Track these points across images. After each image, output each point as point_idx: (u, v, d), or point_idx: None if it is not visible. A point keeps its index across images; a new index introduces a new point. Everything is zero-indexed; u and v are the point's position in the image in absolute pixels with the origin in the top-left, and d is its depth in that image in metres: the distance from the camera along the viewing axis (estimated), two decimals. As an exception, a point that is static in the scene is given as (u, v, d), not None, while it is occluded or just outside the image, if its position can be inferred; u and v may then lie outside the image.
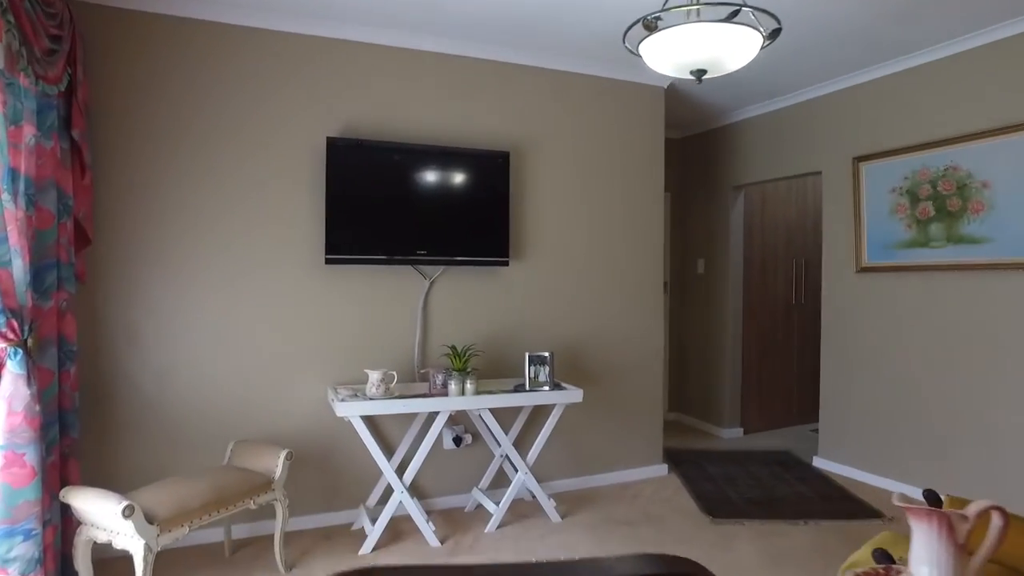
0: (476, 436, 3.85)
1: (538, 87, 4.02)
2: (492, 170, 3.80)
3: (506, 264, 3.84)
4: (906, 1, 3.22)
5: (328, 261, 3.44)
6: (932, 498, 2.24)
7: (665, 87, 4.42)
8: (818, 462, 4.61)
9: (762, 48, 2.26)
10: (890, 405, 4.15)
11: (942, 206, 3.85)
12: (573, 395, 3.58)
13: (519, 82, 3.98)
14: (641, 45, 2.29)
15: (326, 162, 3.43)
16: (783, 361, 5.72)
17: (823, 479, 4.31)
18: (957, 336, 3.79)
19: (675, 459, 4.63)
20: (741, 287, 5.45)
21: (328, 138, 3.42)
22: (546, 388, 3.55)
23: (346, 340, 3.57)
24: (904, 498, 1.45)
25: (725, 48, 2.19)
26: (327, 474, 3.52)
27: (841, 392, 4.47)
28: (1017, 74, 3.51)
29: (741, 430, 5.49)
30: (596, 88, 4.19)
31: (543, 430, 3.63)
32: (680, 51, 2.22)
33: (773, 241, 5.63)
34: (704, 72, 2.28)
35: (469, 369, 3.43)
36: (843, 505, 3.85)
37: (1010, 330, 3.56)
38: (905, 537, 1.55)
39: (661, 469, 4.43)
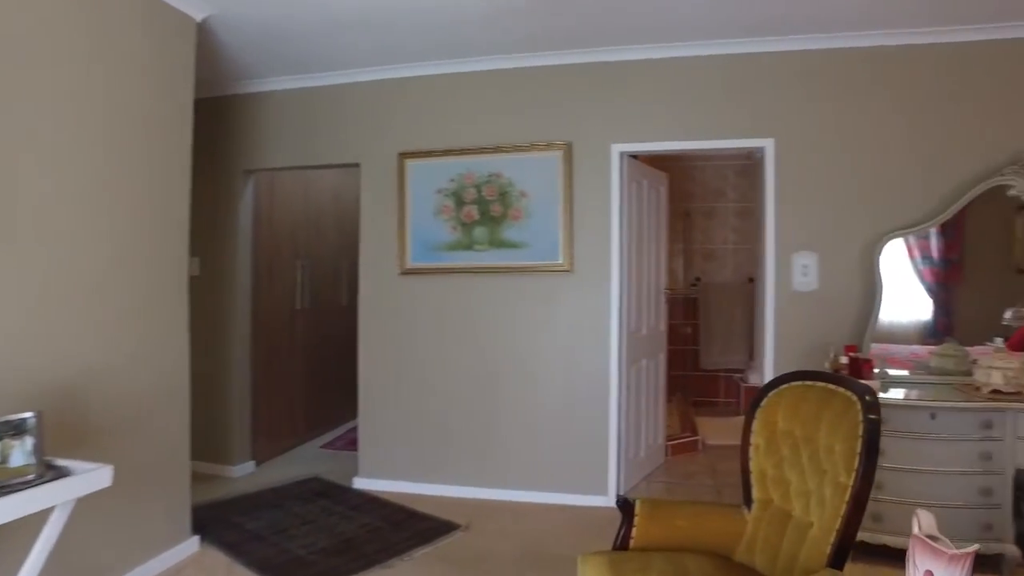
0: None
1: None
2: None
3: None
4: (475, 6, 3.18)
5: None
6: (625, 504, 2.14)
7: (199, 19, 3.21)
8: (361, 483, 4.17)
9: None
10: (437, 410, 4.08)
11: (486, 210, 4.00)
12: (93, 479, 2.07)
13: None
14: None
15: None
16: (290, 374, 5.04)
17: (378, 502, 3.90)
18: (499, 336, 4.00)
19: (200, 524, 3.39)
20: (250, 293, 4.52)
21: None
22: (31, 477, 1.95)
23: None
24: (928, 536, 1.21)
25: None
26: None
27: (383, 402, 4.16)
28: (551, 96, 3.93)
29: (253, 463, 4.54)
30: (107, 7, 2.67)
31: (31, 557, 2.00)
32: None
33: (280, 237, 4.89)
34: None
35: None
36: (419, 526, 3.53)
37: (545, 329, 3.95)
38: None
39: (191, 544, 3.17)
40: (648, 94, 3.82)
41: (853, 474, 1.68)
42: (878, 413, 1.73)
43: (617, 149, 3.87)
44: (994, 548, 2.95)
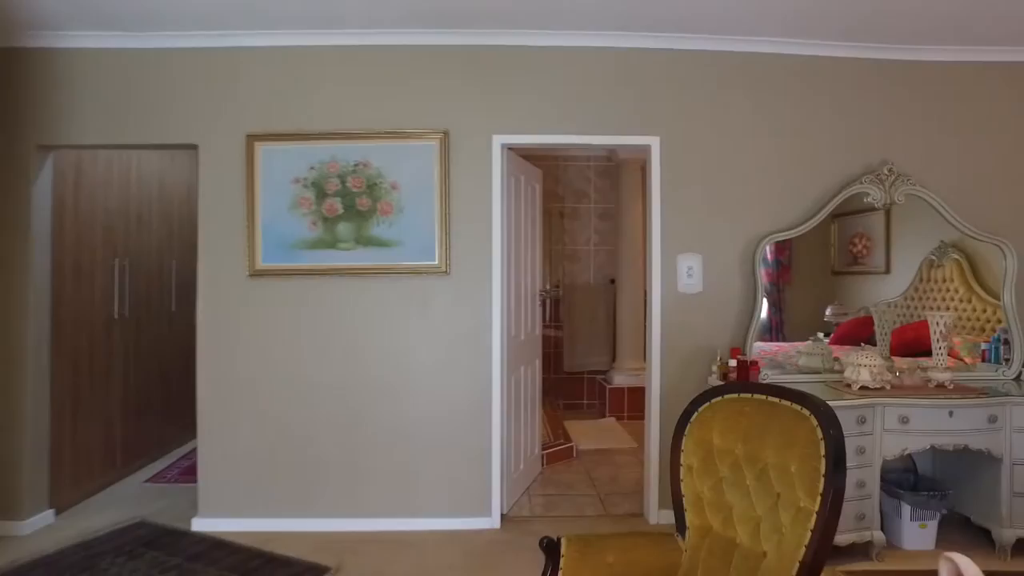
0: None
1: None
2: None
3: None
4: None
5: None
6: (549, 546, 1.86)
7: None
8: (202, 524, 3.50)
9: None
10: (296, 432, 3.53)
11: (352, 204, 3.52)
12: None
13: None
14: None
15: None
16: (104, 395, 4.17)
17: (225, 548, 3.26)
18: (368, 346, 3.55)
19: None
20: (49, 299, 3.64)
21: None
22: None
23: None
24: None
25: None
26: None
27: (229, 425, 3.52)
28: (429, 79, 3.55)
29: (52, 512, 3.66)
30: None
31: None
32: None
33: (90, 231, 4.01)
34: None
35: None
36: (279, 574, 2.98)
37: (420, 337, 3.56)
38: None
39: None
40: (533, 84, 3.58)
41: (818, 498, 1.52)
42: (839, 428, 1.59)
43: (499, 141, 3.58)
44: (865, 536, 3.08)
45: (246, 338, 3.52)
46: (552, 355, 6.51)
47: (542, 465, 4.60)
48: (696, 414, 1.96)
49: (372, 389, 3.55)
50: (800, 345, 3.74)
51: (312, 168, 3.51)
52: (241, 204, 3.50)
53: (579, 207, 6.69)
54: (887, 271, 3.91)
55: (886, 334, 3.77)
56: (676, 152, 3.61)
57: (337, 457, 3.54)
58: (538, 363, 4.45)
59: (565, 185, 6.68)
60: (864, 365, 3.21)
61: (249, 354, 3.52)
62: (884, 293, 3.83)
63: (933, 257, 3.77)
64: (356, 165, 3.52)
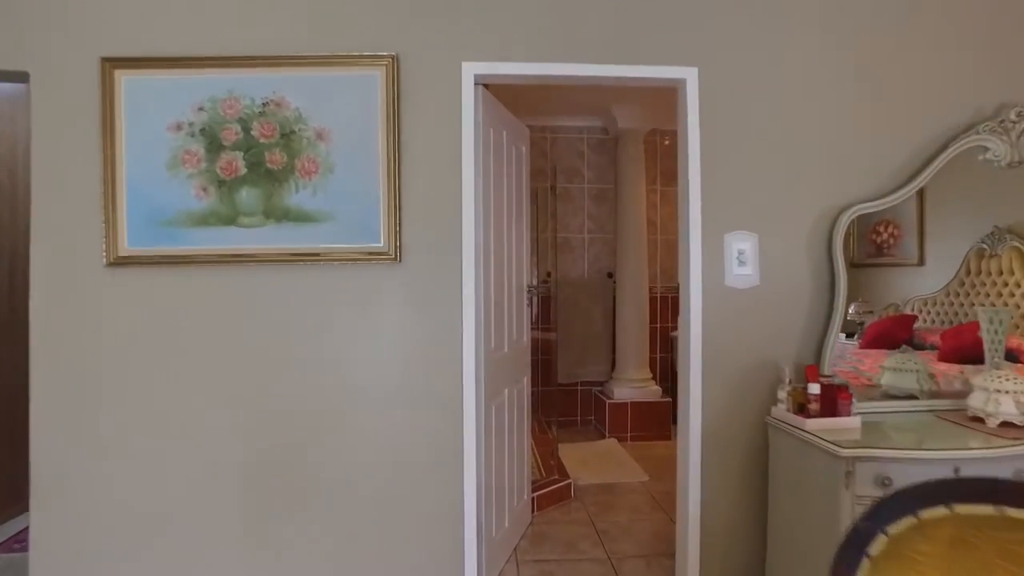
0: None
1: None
2: None
3: None
4: None
5: None
6: None
7: None
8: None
9: None
10: (180, 488, 2.44)
11: (260, 161, 2.43)
12: None
13: None
14: None
15: None
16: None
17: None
18: (284, 365, 2.46)
19: None
20: None
21: None
22: None
23: None
24: None
25: None
26: None
27: (80, 478, 2.41)
28: (367, -19, 2.46)
29: None
30: None
31: None
32: None
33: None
34: None
35: None
36: None
37: (359, 353, 2.49)
38: None
39: None
40: (520, -12, 2.52)
41: None
42: None
43: (471, 71, 2.51)
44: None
45: (103, 356, 2.42)
46: (541, 363, 5.45)
47: (532, 512, 3.55)
48: (885, 543, 0.91)
49: (292, 429, 2.47)
50: (876, 356, 2.74)
51: (201, 109, 2.42)
52: (95, 161, 2.39)
53: (570, 187, 5.64)
54: (920, 263, 3.04)
55: (998, 341, 2.77)
56: (721, 92, 2.57)
57: (245, 521, 2.45)
58: (527, 381, 3.40)
59: (553, 161, 5.62)
60: (1006, 392, 2.20)
61: (110, 378, 2.42)
62: (917, 288, 2.92)
63: (984, 246, 2.82)
64: (266, 105, 2.43)
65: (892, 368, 2.67)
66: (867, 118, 2.60)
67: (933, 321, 3.00)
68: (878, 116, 2.61)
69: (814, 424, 2.18)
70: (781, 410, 2.37)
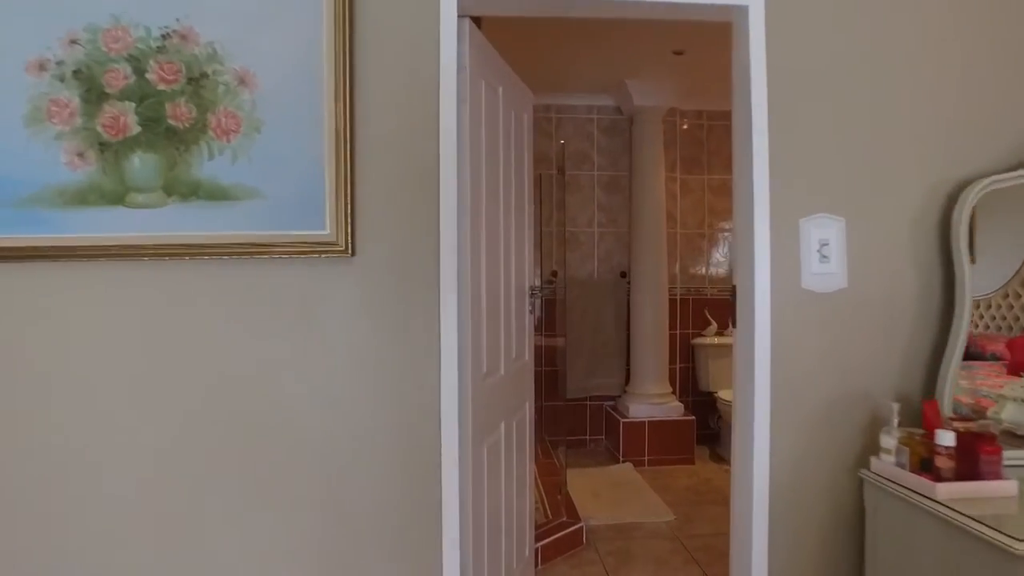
0: None
1: None
2: None
3: None
4: None
5: None
6: None
7: None
8: None
9: None
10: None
11: (158, 115, 1.75)
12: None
13: None
14: None
15: None
16: None
17: None
18: (191, 396, 1.78)
19: None
20: None
21: None
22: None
23: None
24: None
25: None
26: None
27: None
28: None
29: None
30: None
31: None
32: None
33: None
34: None
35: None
36: None
37: (296, 390, 1.80)
38: None
39: None
40: None
41: None
42: None
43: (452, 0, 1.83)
44: None
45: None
46: (544, 375, 4.78)
47: (536, 566, 2.87)
48: None
49: (196, 501, 1.78)
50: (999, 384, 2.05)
51: (74, 42, 1.73)
52: (-75, 114, 1.71)
53: (579, 175, 4.95)
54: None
55: None
56: (796, 26, 1.88)
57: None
58: (528, 407, 2.71)
59: (559, 144, 4.93)
60: None
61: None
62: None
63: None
64: (166, 37, 1.75)
65: (1018, 399, 1.99)
66: (986, 68, 1.92)
67: (987, 326, 2.34)
68: (1001, 66, 1.92)
69: (948, 491, 1.50)
70: (887, 464, 1.68)
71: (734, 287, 1.96)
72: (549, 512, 3.36)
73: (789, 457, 1.86)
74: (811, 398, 1.85)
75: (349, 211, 1.76)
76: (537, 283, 4.34)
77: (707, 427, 4.82)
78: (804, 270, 1.85)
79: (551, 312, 4.89)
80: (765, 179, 1.84)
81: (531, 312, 2.71)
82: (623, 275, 4.89)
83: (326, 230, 1.76)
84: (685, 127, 5.00)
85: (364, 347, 1.80)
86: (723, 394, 4.53)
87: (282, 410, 1.78)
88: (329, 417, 1.80)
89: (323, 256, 1.77)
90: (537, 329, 4.23)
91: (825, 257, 1.84)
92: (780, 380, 1.84)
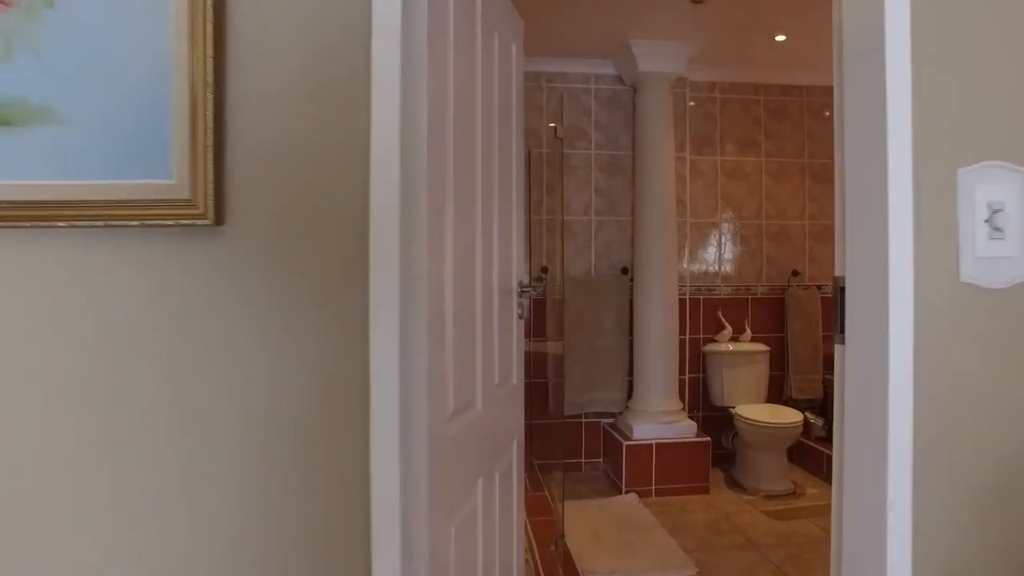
0: None
1: None
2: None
3: None
4: None
5: None
6: None
7: None
8: None
9: None
10: None
11: None
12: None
13: None
14: None
15: None
16: None
17: None
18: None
19: None
20: None
21: None
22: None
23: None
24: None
25: None
26: None
27: None
28: None
29: None
30: None
31: None
32: None
33: None
34: None
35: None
36: None
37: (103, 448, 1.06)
38: None
39: None
40: None
41: None
42: None
43: None
44: None
45: None
46: (534, 388, 4.07)
47: (524, 656, 2.15)
48: None
49: None
50: None
51: None
52: None
53: (573, 153, 4.24)
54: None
55: None
56: None
57: None
58: (517, 448, 1.99)
59: (552, 119, 4.22)
60: None
61: None
62: None
63: None
64: None
65: None
66: None
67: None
68: None
69: None
70: None
71: (839, 284, 1.26)
72: (541, 569, 2.66)
73: (941, 546, 1.15)
74: (981, 463, 1.15)
75: (213, 155, 1.03)
76: (525, 280, 3.61)
77: (720, 446, 4.14)
78: (964, 252, 1.15)
79: (539, 312, 4.18)
80: (903, 108, 1.13)
81: (520, 317, 1.99)
82: (625, 271, 4.19)
83: (172, 179, 1.03)
84: (692, 104, 4.32)
85: (238, 376, 1.07)
86: (741, 410, 3.85)
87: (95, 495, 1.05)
88: (178, 494, 1.06)
89: (170, 226, 1.03)
90: (525, 334, 3.46)
91: (998, 230, 1.14)
92: (929, 435, 1.14)
